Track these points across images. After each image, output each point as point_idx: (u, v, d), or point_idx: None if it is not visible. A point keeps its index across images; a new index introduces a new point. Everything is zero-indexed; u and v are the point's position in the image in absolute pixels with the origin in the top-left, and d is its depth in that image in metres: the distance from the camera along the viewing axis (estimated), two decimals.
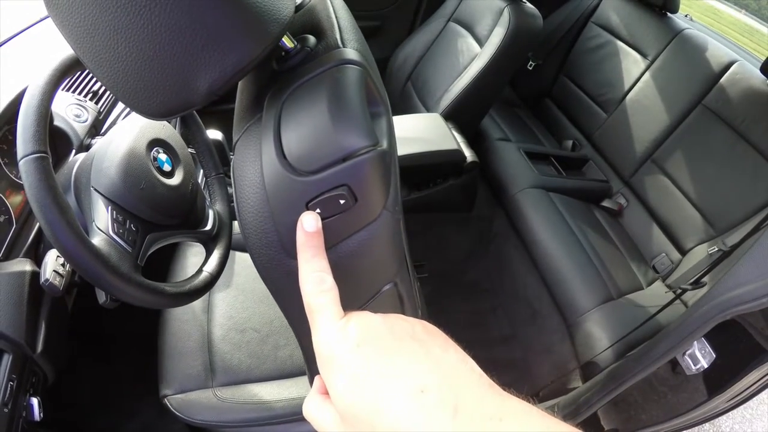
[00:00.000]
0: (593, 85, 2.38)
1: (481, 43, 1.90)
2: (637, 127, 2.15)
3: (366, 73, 0.52)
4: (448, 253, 2.14)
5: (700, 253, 1.83)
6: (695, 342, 1.08)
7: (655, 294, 1.83)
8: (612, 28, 2.35)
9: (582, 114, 2.42)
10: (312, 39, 0.56)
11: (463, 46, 1.98)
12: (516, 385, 1.75)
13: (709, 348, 1.07)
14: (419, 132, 1.75)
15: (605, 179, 2.25)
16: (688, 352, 1.10)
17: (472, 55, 1.90)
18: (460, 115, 1.92)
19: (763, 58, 1.77)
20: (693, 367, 1.10)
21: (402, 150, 1.61)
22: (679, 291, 1.57)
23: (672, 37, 2.11)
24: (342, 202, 0.48)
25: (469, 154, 1.78)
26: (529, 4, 1.89)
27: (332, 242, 0.51)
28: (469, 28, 1.98)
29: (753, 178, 1.77)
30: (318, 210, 0.48)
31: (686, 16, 2.42)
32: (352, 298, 0.58)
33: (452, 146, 1.73)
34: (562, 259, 1.78)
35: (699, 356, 1.09)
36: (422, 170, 1.75)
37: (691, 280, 1.49)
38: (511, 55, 1.85)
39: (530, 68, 2.58)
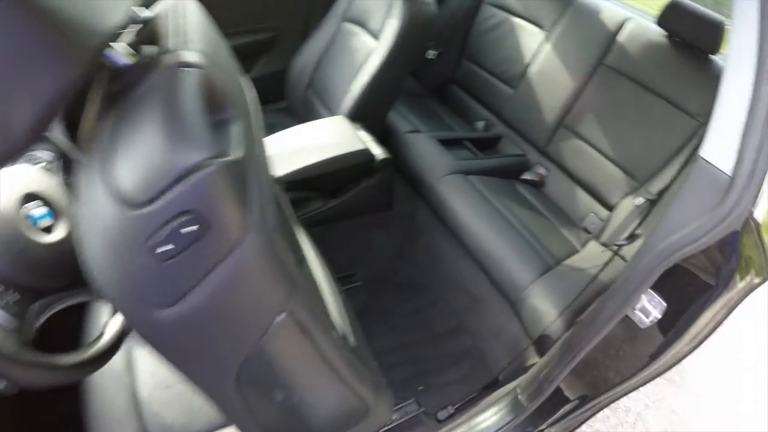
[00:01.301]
0: (495, 63, 2.38)
1: (376, 37, 1.83)
2: (545, 97, 2.16)
3: (207, 75, 0.44)
4: (377, 257, 2.06)
5: (627, 205, 1.84)
6: (643, 295, 1.03)
7: (592, 254, 1.83)
8: (507, 5, 2.38)
9: (489, 93, 2.41)
10: (151, 49, 0.47)
11: (358, 44, 1.91)
12: (473, 374, 1.60)
13: (658, 298, 1.02)
14: (323, 138, 1.66)
15: (522, 153, 2.24)
16: (638, 307, 1.05)
17: (369, 52, 1.83)
18: (365, 114, 1.84)
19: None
20: (646, 320, 1.05)
21: (307, 159, 1.53)
22: (615, 248, 1.55)
23: (566, 6, 2.16)
24: (188, 230, 0.40)
25: (378, 151, 1.71)
26: None
27: (192, 281, 0.43)
28: (363, 25, 1.91)
29: (664, 125, 1.81)
30: (169, 246, 0.40)
31: None
32: (235, 342, 0.50)
33: (359, 147, 1.65)
34: (493, 239, 1.72)
35: (650, 308, 1.04)
36: (333, 177, 1.66)
37: (626, 235, 1.47)
38: (408, 45, 1.80)
39: (431, 58, 2.55)
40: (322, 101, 1.99)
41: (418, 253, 2.05)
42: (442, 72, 2.63)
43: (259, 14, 2.19)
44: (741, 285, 0.95)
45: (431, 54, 2.52)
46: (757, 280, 0.97)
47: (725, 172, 0.83)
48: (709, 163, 0.86)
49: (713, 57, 1.80)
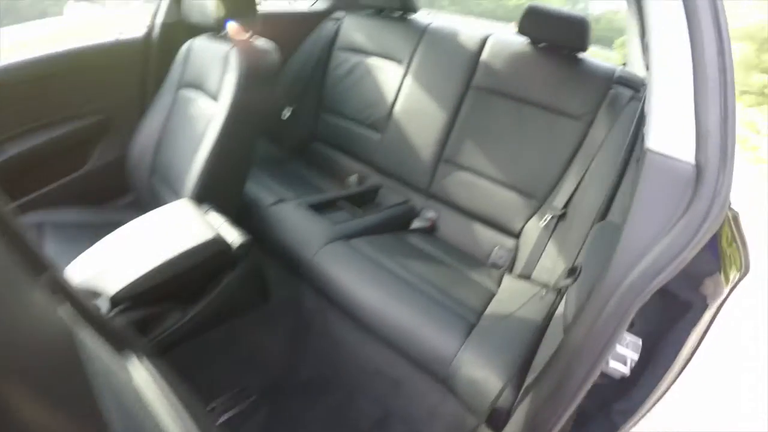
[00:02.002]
0: (357, 110, 2.19)
1: (215, 99, 1.55)
2: (416, 135, 1.98)
3: None
4: (268, 360, 1.71)
5: (533, 228, 1.73)
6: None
7: (511, 291, 1.64)
8: (358, 47, 2.23)
9: (355, 144, 2.20)
10: None
11: (196, 111, 1.61)
12: None
13: (630, 337, 0.85)
14: (163, 233, 1.33)
15: (405, 200, 2.02)
16: (611, 360, 0.84)
17: (209, 118, 1.54)
18: (213, 192, 1.54)
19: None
20: (623, 368, 0.86)
21: (142, 267, 1.18)
22: (545, 292, 1.36)
23: (420, 35, 2.05)
24: None
25: (235, 236, 1.40)
26: (259, 39, 1.61)
27: None
28: (200, 87, 1.62)
29: (549, 134, 1.72)
30: None
31: (428, 13, 2.39)
32: None
33: (208, 236, 1.32)
34: (396, 309, 1.43)
35: (625, 352, 0.86)
36: (183, 280, 1.32)
37: (565, 273, 1.25)
38: (251, 101, 1.53)
39: (286, 117, 2.31)
40: (168, 186, 1.65)
41: (316, 345, 1.72)
42: (301, 130, 2.38)
43: (82, 95, 1.82)
44: (727, 289, 0.83)
45: (286, 112, 2.29)
46: (737, 276, 0.86)
47: (686, 160, 0.71)
48: (663, 155, 0.73)
49: (581, 55, 1.75)
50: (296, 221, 1.72)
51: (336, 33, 2.34)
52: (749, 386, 2.17)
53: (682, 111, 0.70)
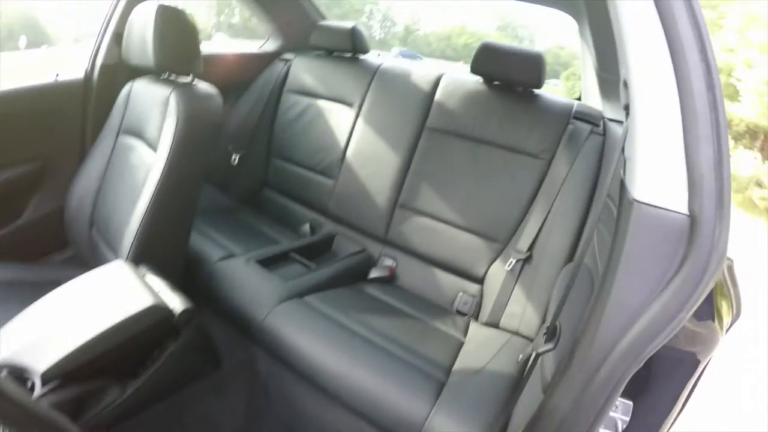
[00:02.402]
0: (308, 155, 2.09)
1: (154, 147, 1.43)
2: (371, 180, 1.89)
3: None
4: (222, 431, 1.56)
5: (498, 273, 1.65)
6: None
7: (479, 339, 1.54)
8: (308, 89, 2.16)
9: (308, 190, 2.09)
10: None
11: (136, 161, 1.48)
12: None
13: (621, 399, 0.79)
14: (98, 300, 1.20)
15: (361, 248, 1.91)
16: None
17: (148, 168, 1.42)
18: (153, 251, 1.41)
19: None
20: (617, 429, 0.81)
21: (73, 340, 1.04)
22: (520, 357, 1.27)
23: (371, 76, 2.00)
24: None
25: (176, 302, 1.26)
26: (201, 83, 1.51)
27: None
28: (140, 135, 1.50)
29: (508, 174, 1.67)
30: None
31: (378, 54, 2.36)
32: None
33: (146, 303, 1.18)
34: (357, 372, 1.29)
35: (615, 416, 0.81)
36: (120, 352, 1.18)
37: (544, 333, 1.14)
38: (193, 148, 1.41)
39: (235, 163, 2.19)
40: (106, 242, 1.51)
41: (273, 413, 1.55)
42: (250, 177, 2.27)
43: (17, 140, 1.67)
44: (721, 337, 0.78)
45: (234, 158, 2.17)
46: (729, 321, 0.83)
47: (678, 210, 0.65)
48: (651, 205, 0.66)
49: (537, 91, 1.72)
50: (245, 279, 1.58)
51: (285, 75, 2.27)
52: (749, 386, 2.17)
53: (671, 155, 0.63)
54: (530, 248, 1.57)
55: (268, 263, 1.68)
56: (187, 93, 1.43)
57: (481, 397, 1.23)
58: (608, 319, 0.68)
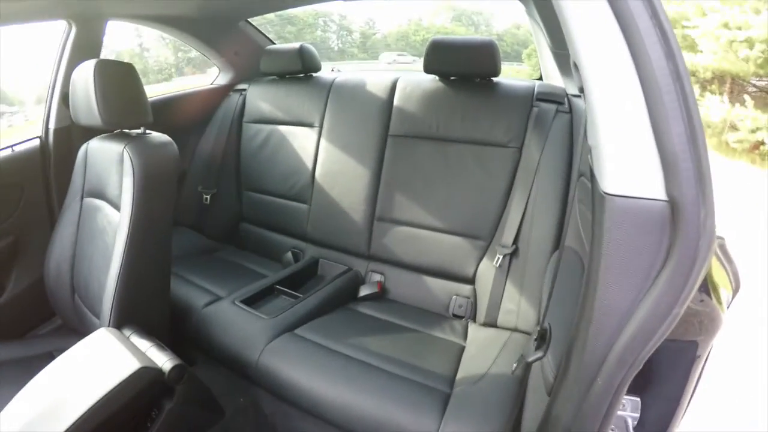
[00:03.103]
0: (278, 182, 2.06)
1: (117, 207, 1.38)
2: (344, 197, 1.86)
3: None
4: None
5: (488, 271, 1.61)
6: None
7: (479, 341, 1.50)
8: (267, 117, 2.13)
9: (284, 218, 2.05)
10: None
11: (103, 222, 1.44)
12: None
13: (627, 398, 0.75)
14: (86, 372, 1.16)
15: (347, 268, 1.86)
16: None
17: (115, 229, 1.38)
18: (135, 310, 1.37)
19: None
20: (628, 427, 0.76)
21: (71, 415, 1.01)
22: (515, 366, 1.24)
23: (327, 93, 1.97)
24: None
25: (164, 359, 1.22)
26: (153, 134, 1.47)
27: None
28: (102, 195, 1.46)
29: (481, 169, 1.64)
30: None
31: (332, 69, 2.35)
32: None
33: (133, 367, 1.15)
34: (360, 400, 1.24)
35: (624, 414, 0.77)
36: (120, 420, 1.14)
37: (535, 339, 1.10)
38: (155, 200, 1.37)
39: (207, 203, 2.15)
40: (89, 308, 1.46)
41: None
42: (225, 213, 2.22)
43: None
44: (724, 315, 0.74)
45: (205, 198, 2.13)
46: (730, 295, 0.79)
47: (656, 197, 0.59)
48: (625, 197, 0.60)
49: (496, 79, 1.69)
50: (233, 321, 1.54)
51: (242, 105, 2.24)
52: (750, 386, 2.15)
53: (637, 138, 0.58)
54: (515, 241, 1.54)
55: (253, 301, 1.64)
56: (140, 146, 1.39)
57: (488, 405, 1.19)
58: (598, 324, 0.63)
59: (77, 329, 1.53)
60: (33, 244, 1.75)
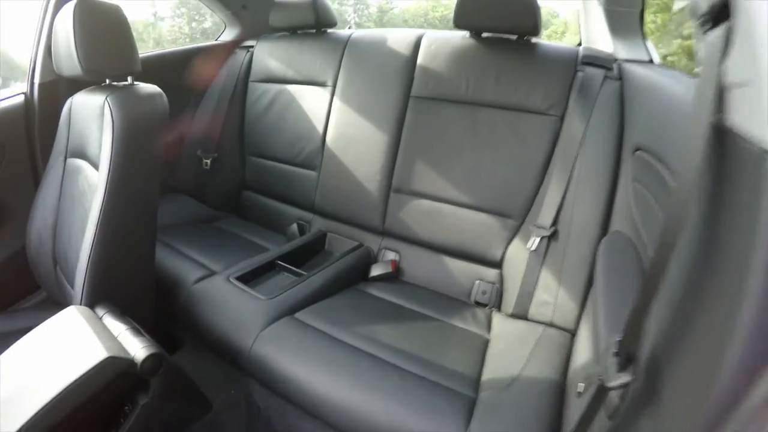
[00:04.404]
0: (286, 147, 1.87)
1: (97, 167, 1.21)
2: (357, 165, 1.67)
3: None
4: None
5: (519, 254, 1.42)
6: None
7: (507, 334, 1.32)
8: (275, 75, 1.94)
9: (291, 186, 1.86)
10: None
11: (83, 185, 1.27)
12: None
13: None
14: (50, 358, 1.01)
15: (358, 243, 1.68)
16: None
17: (93, 192, 1.20)
18: (111, 286, 1.19)
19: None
20: None
21: (26, 413, 0.86)
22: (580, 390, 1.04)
23: (342, 49, 1.78)
24: None
25: (139, 347, 1.04)
26: (141, 84, 1.28)
27: None
28: (84, 155, 1.29)
29: (515, 137, 1.45)
30: None
31: (349, 27, 2.13)
32: None
33: (100, 356, 0.97)
34: (368, 402, 1.04)
35: None
36: (86, 416, 0.97)
37: (614, 353, 0.88)
38: (138, 159, 1.19)
39: (207, 168, 1.96)
40: (69, 281, 1.29)
41: None
42: (227, 180, 2.04)
43: None
44: None
45: (205, 162, 1.95)
46: None
47: None
48: None
49: (535, 39, 1.51)
50: (226, 301, 1.35)
51: (249, 63, 2.05)
52: None
53: None
54: (554, 222, 1.34)
55: (251, 277, 1.46)
56: (123, 97, 1.22)
57: (522, 414, 1.00)
58: (733, 351, 0.41)
59: (61, 303, 1.36)
60: (16, 209, 1.59)
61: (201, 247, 1.65)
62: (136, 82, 1.28)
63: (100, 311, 1.14)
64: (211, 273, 1.48)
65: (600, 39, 1.59)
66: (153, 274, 1.36)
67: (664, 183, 0.83)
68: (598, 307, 0.94)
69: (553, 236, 1.33)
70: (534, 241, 1.35)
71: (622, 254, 1.03)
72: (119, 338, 1.06)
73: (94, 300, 1.16)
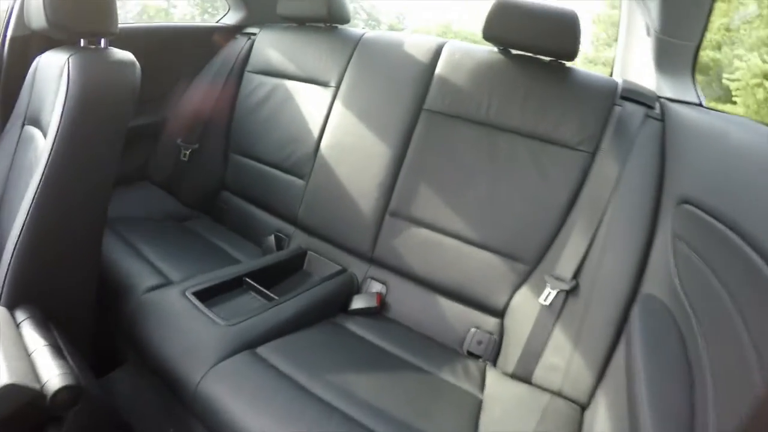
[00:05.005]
0: (274, 148, 1.66)
1: (45, 137, 1.04)
2: (352, 179, 1.47)
3: None
4: None
5: (527, 304, 1.22)
6: None
7: (504, 401, 1.12)
8: (275, 68, 1.74)
9: (274, 193, 1.65)
10: None
11: (32, 156, 1.10)
12: None
13: None
14: None
15: (341, 268, 1.46)
16: None
17: (36, 165, 1.00)
18: (40, 286, 1.00)
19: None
20: None
21: None
22: None
23: (352, 49, 1.59)
24: None
25: (53, 373, 0.83)
26: (112, 49, 1.11)
27: None
28: (38, 122, 1.13)
29: (536, 171, 1.27)
30: None
31: (363, 27, 1.88)
32: None
33: (1, 382, 0.77)
34: None
35: None
36: None
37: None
38: (90, 132, 1.02)
39: (185, 159, 1.75)
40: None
41: None
42: (204, 176, 1.82)
43: None
44: None
45: (184, 153, 1.74)
46: None
47: None
48: None
49: (569, 64, 1.33)
50: (176, 321, 1.13)
51: (248, 51, 1.84)
52: None
53: None
54: (576, 275, 1.14)
55: (212, 294, 1.24)
56: (86, 59, 1.04)
57: None
58: None
59: None
60: None
61: (162, 248, 1.44)
62: (110, 48, 1.10)
63: (20, 315, 0.95)
64: (167, 282, 1.26)
65: (639, 72, 1.43)
66: (96, 274, 1.16)
67: (726, 248, 0.71)
68: (636, 387, 0.79)
69: (572, 291, 1.14)
70: (549, 294, 1.15)
71: (660, 324, 0.87)
72: (33, 356, 0.86)
73: (16, 299, 0.98)
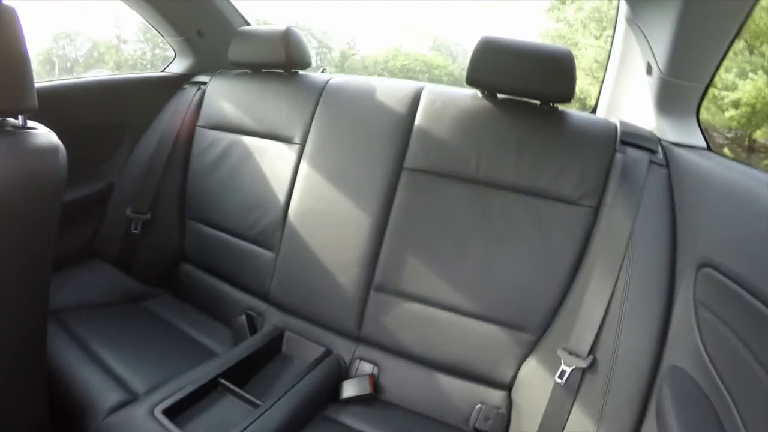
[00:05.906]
0: (236, 216, 1.49)
1: None
2: (328, 250, 1.31)
3: None
4: None
5: (537, 377, 1.10)
6: None
7: None
8: (229, 123, 1.56)
9: (240, 266, 1.47)
10: None
11: None
12: None
13: None
14: None
15: (325, 349, 1.30)
16: None
17: None
18: None
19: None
20: None
21: None
22: None
23: (317, 98, 1.43)
24: None
25: None
26: (35, 129, 0.92)
27: None
28: None
29: (538, 231, 1.15)
30: None
31: (322, 71, 1.77)
32: None
33: None
34: None
35: None
36: None
37: None
38: (15, 231, 0.85)
39: (137, 230, 1.57)
40: None
41: None
42: (160, 248, 1.63)
43: None
44: None
45: (135, 226, 1.57)
46: None
47: None
48: None
49: (561, 107, 1.22)
50: None
51: (198, 104, 1.66)
52: None
53: None
54: (592, 349, 1.01)
55: (184, 407, 1.06)
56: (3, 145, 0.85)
57: None
58: None
59: None
60: None
61: (122, 345, 1.26)
62: (29, 124, 0.92)
63: None
64: (132, 398, 1.08)
65: (632, 111, 1.32)
66: (45, 389, 0.98)
67: (757, 317, 0.65)
68: None
69: (590, 368, 1.01)
70: (565, 372, 1.02)
71: (692, 402, 0.78)
72: None
73: None
